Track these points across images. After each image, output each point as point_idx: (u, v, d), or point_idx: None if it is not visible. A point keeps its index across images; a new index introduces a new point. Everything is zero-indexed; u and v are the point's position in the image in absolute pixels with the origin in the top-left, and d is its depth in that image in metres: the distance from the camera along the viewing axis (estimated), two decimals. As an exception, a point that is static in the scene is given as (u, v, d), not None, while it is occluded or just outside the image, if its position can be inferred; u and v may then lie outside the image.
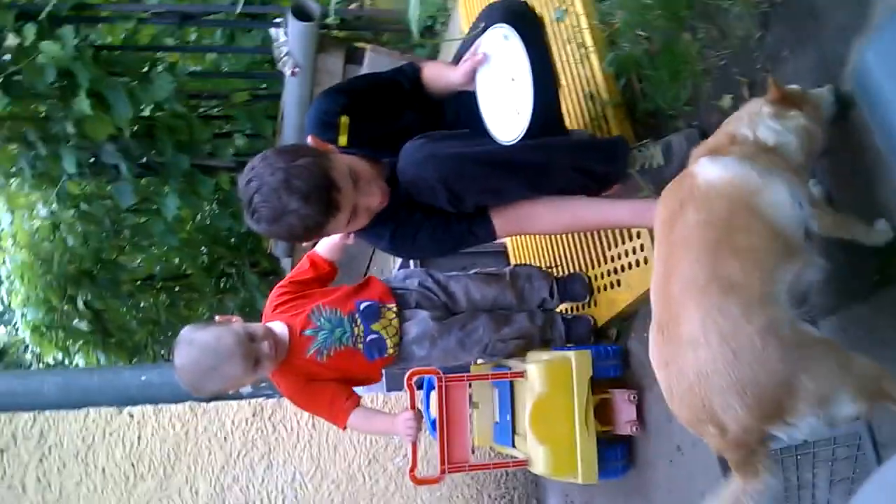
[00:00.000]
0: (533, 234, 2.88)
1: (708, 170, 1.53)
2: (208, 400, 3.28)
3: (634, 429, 2.42)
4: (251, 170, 1.89)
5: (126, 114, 4.00)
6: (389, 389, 3.27)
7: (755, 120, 1.60)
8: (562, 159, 2.09)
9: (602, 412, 2.45)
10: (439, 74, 2.15)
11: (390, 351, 2.36)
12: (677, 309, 1.41)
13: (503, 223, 2.17)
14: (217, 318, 2.28)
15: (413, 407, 2.35)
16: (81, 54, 3.83)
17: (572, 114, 2.62)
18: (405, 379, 2.36)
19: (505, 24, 1.93)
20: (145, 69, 4.31)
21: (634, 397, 2.43)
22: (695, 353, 1.34)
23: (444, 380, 2.40)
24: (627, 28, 2.40)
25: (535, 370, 2.35)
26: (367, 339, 2.33)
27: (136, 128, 4.46)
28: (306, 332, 2.29)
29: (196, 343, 2.15)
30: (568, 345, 2.56)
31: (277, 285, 2.46)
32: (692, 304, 1.38)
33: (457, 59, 2.22)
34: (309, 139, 2.00)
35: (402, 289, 2.46)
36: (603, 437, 2.43)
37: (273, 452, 3.23)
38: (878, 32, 1.19)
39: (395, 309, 2.38)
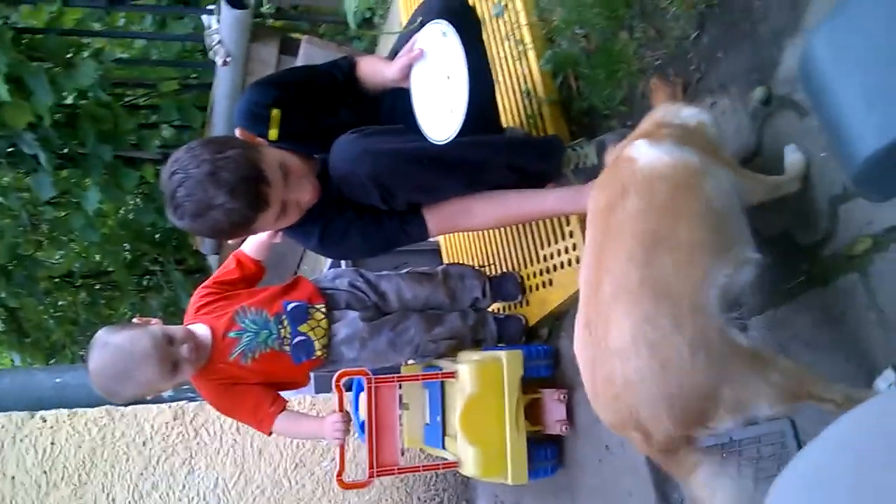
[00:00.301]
0: (466, 230, 2.83)
1: (649, 153, 1.48)
2: (126, 404, 3.15)
3: (564, 428, 2.41)
4: (175, 161, 1.80)
5: (47, 101, 3.84)
6: (318, 391, 3.20)
7: (676, 107, 1.64)
8: (496, 157, 2.07)
9: (532, 412, 2.43)
10: (374, 69, 2.09)
11: (318, 353, 2.28)
12: (607, 311, 1.38)
13: (436, 221, 2.13)
14: (136, 319, 2.18)
15: (341, 409, 2.28)
16: (1, 37, 3.66)
17: (509, 111, 2.59)
18: (333, 380, 2.29)
19: (443, 21, 1.87)
20: (69, 55, 4.16)
21: (564, 396, 2.42)
22: (623, 364, 1.32)
23: (373, 381, 2.34)
24: (565, 25, 2.39)
25: (466, 370, 2.32)
26: (295, 340, 2.25)
27: (57, 116, 4.27)
28: (230, 334, 2.20)
29: (110, 346, 2.04)
30: (500, 344, 2.55)
31: (201, 286, 2.36)
32: (622, 310, 1.35)
33: (393, 54, 2.17)
34: (237, 131, 1.93)
35: (331, 289, 2.40)
36: (533, 437, 2.41)
37: (195, 458, 3.12)
38: (827, 19, 1.18)
39: (323, 310, 2.31)
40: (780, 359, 1.37)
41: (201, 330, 2.21)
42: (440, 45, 1.89)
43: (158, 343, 2.03)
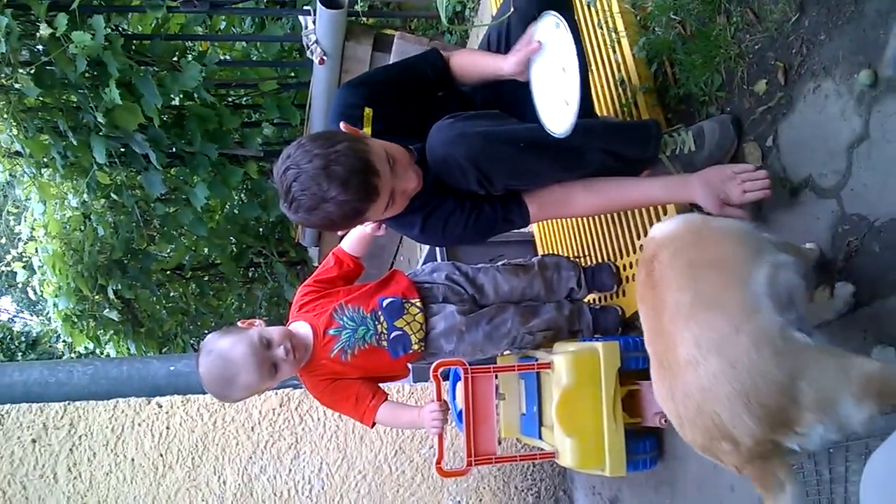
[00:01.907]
0: (567, 216, 2.82)
1: (662, 226, 1.65)
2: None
3: (663, 421, 2.34)
4: (287, 158, 1.85)
5: (155, 103, 4.01)
6: (416, 380, 3.26)
7: None
8: (594, 141, 2.03)
9: (630, 404, 2.40)
10: (478, 63, 2.10)
11: (415, 347, 2.33)
12: (671, 339, 1.44)
13: (538, 207, 2.12)
14: (240, 323, 2.27)
15: (439, 398, 2.31)
16: (112, 44, 3.84)
17: (603, 100, 2.57)
18: (431, 370, 2.34)
19: (554, 12, 1.86)
20: (175, 58, 4.31)
21: None
22: (695, 372, 1.36)
23: (469, 371, 2.37)
24: (660, 11, 2.34)
25: (562, 361, 2.31)
26: (391, 336, 2.30)
27: (165, 117, 4.48)
28: (330, 331, 2.27)
29: (213, 353, 2.15)
30: (595, 335, 2.52)
31: (303, 284, 2.44)
32: (683, 328, 1.41)
33: (486, 45, 2.19)
34: (341, 125, 1.96)
35: (429, 283, 2.43)
36: (631, 430, 2.38)
37: (300, 443, 3.24)
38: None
39: (418, 304, 2.35)
40: (859, 356, 1.36)
41: (303, 328, 2.29)
42: (554, 37, 1.88)
43: (256, 348, 2.12)
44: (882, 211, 1.70)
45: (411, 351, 2.33)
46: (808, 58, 1.90)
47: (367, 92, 2.05)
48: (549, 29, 1.90)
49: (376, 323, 2.29)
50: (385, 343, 2.29)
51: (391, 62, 3.57)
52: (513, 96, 2.14)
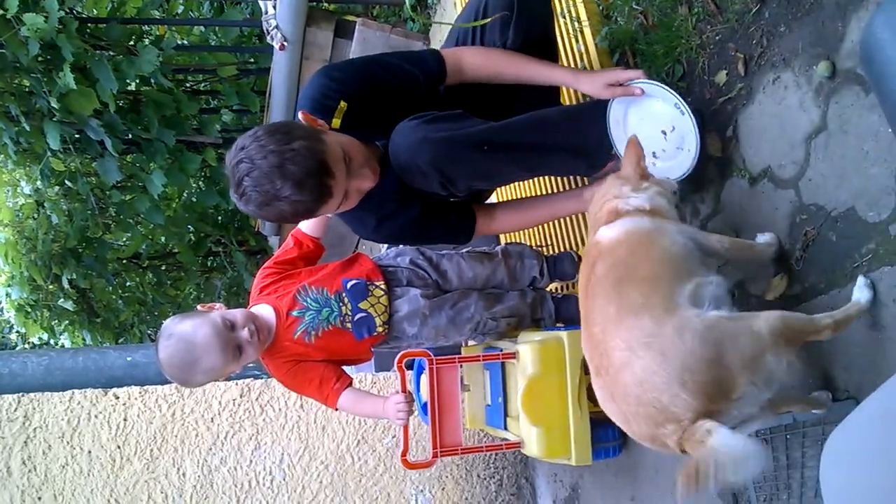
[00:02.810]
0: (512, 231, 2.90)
1: (608, 231, 1.73)
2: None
3: None
4: (241, 150, 1.82)
5: (111, 88, 3.94)
6: (378, 369, 3.25)
7: (625, 197, 1.79)
8: (554, 138, 2.05)
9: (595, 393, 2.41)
10: (523, 66, 2.10)
11: (379, 329, 2.32)
12: (603, 346, 1.56)
13: (484, 223, 2.24)
14: (199, 307, 2.24)
15: (404, 389, 2.31)
16: (66, 27, 3.76)
17: (566, 89, 2.57)
18: (395, 361, 2.33)
19: (678, 97, 1.98)
20: (131, 42, 4.24)
21: None
22: (631, 370, 1.48)
23: (434, 362, 2.36)
24: (623, 1, 2.35)
25: (527, 351, 2.32)
26: (356, 317, 2.29)
27: (121, 103, 4.39)
28: (293, 313, 2.25)
29: (174, 336, 2.11)
30: (558, 324, 2.54)
31: (262, 266, 2.42)
32: (613, 334, 1.53)
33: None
34: (300, 115, 1.93)
35: (392, 266, 2.42)
36: (596, 418, 2.37)
37: (261, 433, 3.21)
38: (889, 1, 1.15)
39: (382, 286, 2.34)
40: (761, 313, 1.49)
41: (265, 311, 2.26)
42: (671, 110, 2.02)
43: (219, 329, 2.09)
44: (839, 201, 1.73)
45: (375, 333, 2.32)
46: (768, 49, 1.92)
47: (351, 90, 2.01)
48: (662, 95, 2.03)
49: (340, 304, 2.27)
50: (349, 324, 2.28)
51: (385, 52, 3.44)
52: (481, 94, 2.14)
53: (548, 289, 2.65)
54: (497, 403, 2.52)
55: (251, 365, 3.32)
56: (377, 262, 2.42)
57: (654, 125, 2.07)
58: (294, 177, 1.77)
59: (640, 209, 1.75)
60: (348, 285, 2.31)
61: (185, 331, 2.10)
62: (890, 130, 1.58)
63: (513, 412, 2.45)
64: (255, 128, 1.88)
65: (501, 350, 2.47)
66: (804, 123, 1.81)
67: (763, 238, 1.88)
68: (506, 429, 2.50)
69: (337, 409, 2.36)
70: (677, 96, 1.99)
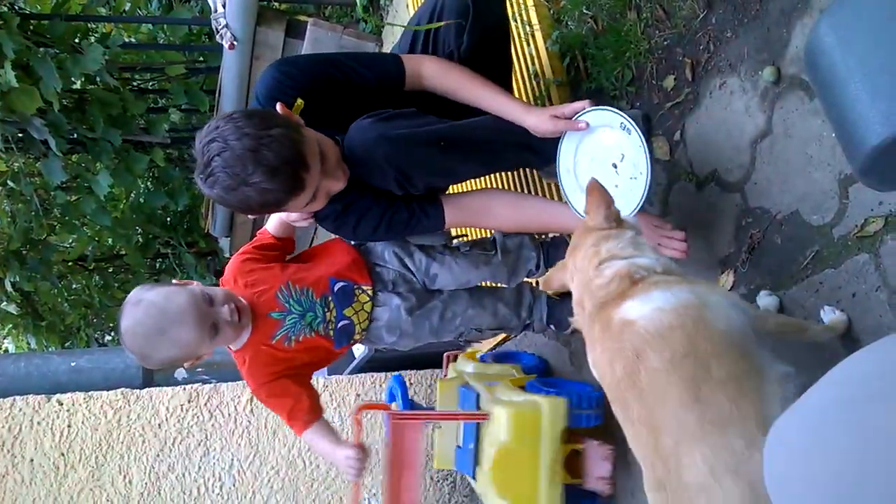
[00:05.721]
0: (484, 227, 2.71)
1: (640, 309, 1.39)
2: (143, 386, 3.19)
3: (605, 487, 2.22)
4: (214, 129, 1.72)
5: (55, 86, 3.82)
6: (330, 373, 3.22)
7: (625, 257, 1.51)
8: (508, 136, 2.04)
9: (574, 461, 2.26)
10: (477, 94, 2.04)
11: (357, 336, 2.20)
12: (675, 461, 1.30)
13: (454, 215, 2.09)
14: (174, 281, 2.02)
15: (357, 443, 2.13)
16: (7, 23, 3.64)
17: (517, 92, 2.58)
18: (353, 414, 2.15)
19: (624, 115, 1.89)
20: (76, 39, 4.13)
21: (611, 453, 2.24)
22: (707, 497, 1.24)
23: (396, 417, 2.21)
24: (573, 6, 2.37)
25: (503, 416, 2.17)
26: (339, 325, 2.14)
27: (65, 101, 4.28)
28: (272, 314, 2.06)
29: (143, 302, 1.86)
30: (550, 326, 2.41)
31: (239, 252, 2.20)
32: (690, 451, 1.27)
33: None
34: (279, 107, 1.86)
35: (380, 265, 2.27)
36: (574, 487, 2.25)
37: (210, 439, 3.15)
38: (833, 6, 1.17)
39: (369, 292, 2.19)
40: None
41: (242, 302, 2.07)
42: (618, 136, 1.92)
43: (197, 300, 1.89)
44: (784, 204, 1.76)
45: (353, 340, 2.20)
46: (715, 54, 1.95)
47: (307, 84, 1.96)
48: (608, 120, 1.93)
49: (325, 310, 2.12)
50: (332, 332, 2.14)
51: (342, 52, 3.37)
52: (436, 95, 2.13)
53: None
54: (468, 449, 2.37)
55: (200, 370, 3.28)
56: (364, 255, 2.26)
57: (605, 161, 1.98)
58: (268, 163, 1.69)
59: (654, 271, 1.48)
60: (336, 287, 2.15)
61: (156, 297, 1.87)
62: (833, 135, 1.62)
63: (483, 464, 2.29)
64: (231, 111, 1.79)
65: (478, 395, 2.34)
66: (750, 128, 1.85)
67: (830, 317, 1.64)
68: (474, 478, 2.34)
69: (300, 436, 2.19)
70: (622, 114, 1.91)
